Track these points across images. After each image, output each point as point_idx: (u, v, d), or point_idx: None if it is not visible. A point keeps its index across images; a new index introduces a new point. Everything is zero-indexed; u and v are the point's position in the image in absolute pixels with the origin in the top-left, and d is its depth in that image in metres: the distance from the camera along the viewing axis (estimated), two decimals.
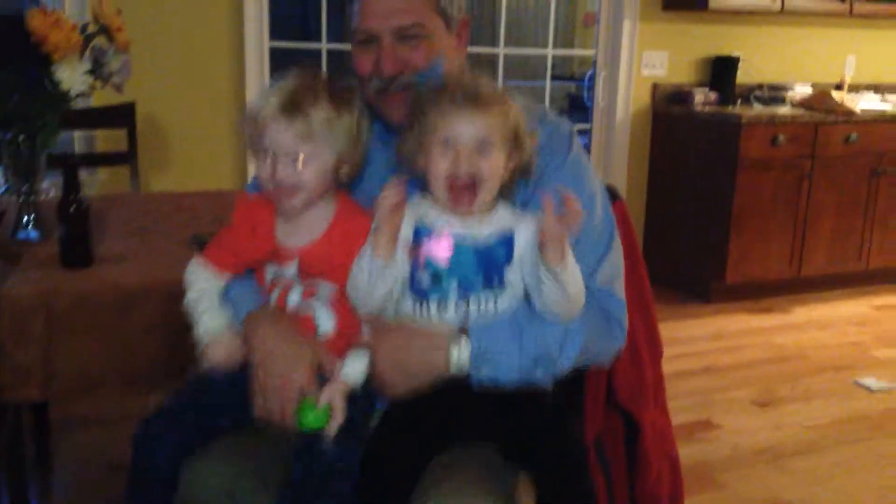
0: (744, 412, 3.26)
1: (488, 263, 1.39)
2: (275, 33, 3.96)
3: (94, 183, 3.47)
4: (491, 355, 1.38)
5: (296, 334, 1.44)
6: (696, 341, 4.01)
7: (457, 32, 1.56)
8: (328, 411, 1.36)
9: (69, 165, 1.91)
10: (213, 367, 1.45)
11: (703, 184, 4.50)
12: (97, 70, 2.15)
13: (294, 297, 1.48)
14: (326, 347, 1.44)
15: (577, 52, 4.81)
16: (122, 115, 3.07)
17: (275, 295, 1.49)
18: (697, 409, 3.27)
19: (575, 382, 1.58)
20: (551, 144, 1.52)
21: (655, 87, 4.70)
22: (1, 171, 2.18)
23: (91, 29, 2.12)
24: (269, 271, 1.50)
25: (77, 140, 3.52)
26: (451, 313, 1.39)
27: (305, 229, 1.47)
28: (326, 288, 1.46)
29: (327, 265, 1.45)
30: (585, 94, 5.06)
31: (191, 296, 1.50)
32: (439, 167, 1.37)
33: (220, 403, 1.45)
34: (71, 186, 1.90)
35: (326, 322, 1.47)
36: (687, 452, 2.85)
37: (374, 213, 1.35)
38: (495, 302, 1.40)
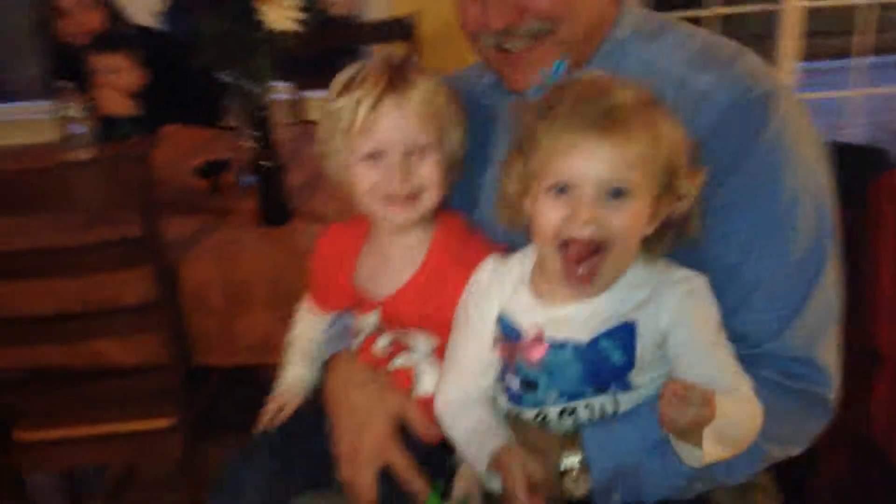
0: None
1: (599, 371, 0.98)
2: None
3: None
4: (623, 479, 1.00)
5: (372, 385, 1.17)
6: None
7: None
8: None
9: (261, 118, 1.81)
10: (263, 426, 1.25)
11: None
12: (312, 2, 2.02)
13: (381, 344, 1.19)
14: (422, 406, 1.14)
15: None
16: (400, 29, 2.93)
17: (356, 342, 1.22)
18: None
19: None
20: (737, 114, 1.04)
21: None
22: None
23: None
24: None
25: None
26: (555, 426, 1.02)
27: (391, 270, 1.16)
28: (422, 340, 1.16)
29: (417, 315, 1.14)
30: None
31: (288, 339, 1.32)
32: (548, 222, 0.94)
33: (300, 455, 1.23)
34: (263, 140, 1.80)
35: (428, 380, 1.15)
36: None
37: None
38: (615, 408, 1.00)
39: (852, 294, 1.24)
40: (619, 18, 1.17)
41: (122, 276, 1.65)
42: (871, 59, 3.98)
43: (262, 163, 1.79)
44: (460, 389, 1.08)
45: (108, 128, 2.68)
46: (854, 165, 1.23)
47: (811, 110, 1.10)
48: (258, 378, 2.33)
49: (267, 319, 1.70)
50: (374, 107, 1.07)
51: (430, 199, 1.12)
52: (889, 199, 1.24)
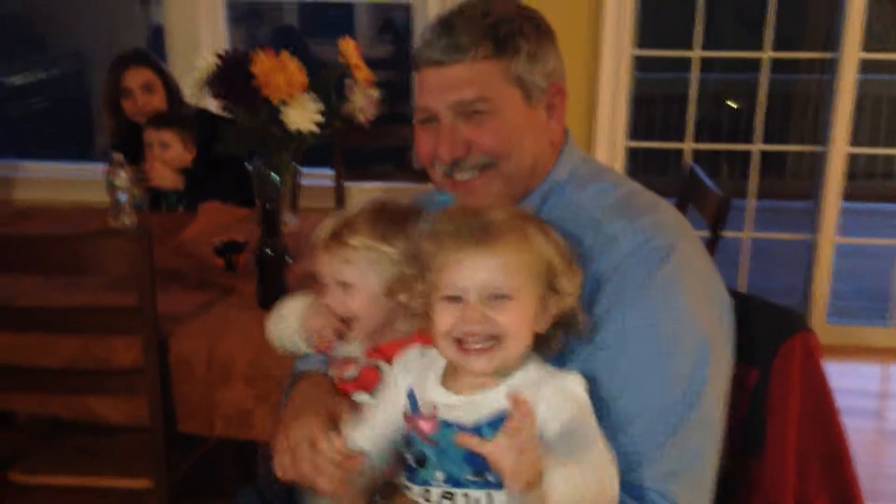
0: None
1: (479, 456, 1.03)
2: (641, 42, 3.68)
3: None
4: None
5: (316, 387, 1.32)
6: None
7: (546, 104, 1.28)
8: None
9: (267, 209, 1.95)
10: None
11: None
12: (340, 106, 2.17)
13: (352, 373, 1.34)
14: None
15: None
16: None
17: (333, 372, 1.38)
18: None
19: None
20: (635, 259, 1.16)
21: None
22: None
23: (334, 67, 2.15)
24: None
25: None
26: None
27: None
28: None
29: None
30: None
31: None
32: (444, 324, 1.08)
33: None
34: (268, 229, 1.94)
35: None
36: None
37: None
38: (489, 502, 1.08)
39: (758, 453, 1.30)
40: (559, 161, 1.31)
41: (115, 340, 1.80)
42: None
43: (265, 250, 1.92)
44: (358, 437, 1.18)
45: (156, 199, 2.89)
46: (768, 325, 1.30)
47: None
48: (243, 450, 2.45)
49: (244, 395, 1.80)
50: (320, 241, 1.32)
51: (360, 325, 1.33)
52: (797, 363, 1.27)
